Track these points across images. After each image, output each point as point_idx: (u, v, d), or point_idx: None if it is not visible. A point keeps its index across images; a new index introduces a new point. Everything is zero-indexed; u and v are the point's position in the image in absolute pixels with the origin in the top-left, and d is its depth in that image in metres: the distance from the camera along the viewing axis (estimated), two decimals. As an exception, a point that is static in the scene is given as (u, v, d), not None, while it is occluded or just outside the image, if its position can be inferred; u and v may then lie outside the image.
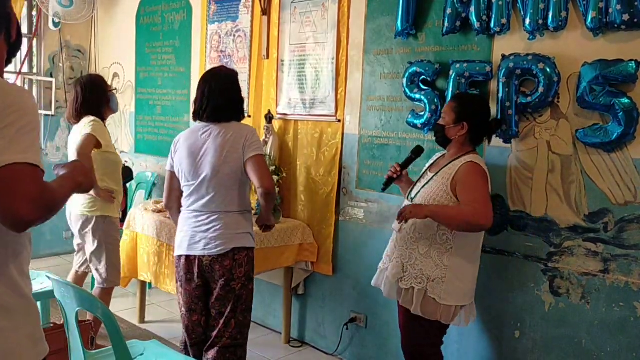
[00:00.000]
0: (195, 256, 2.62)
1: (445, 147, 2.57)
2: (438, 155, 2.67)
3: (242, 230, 2.62)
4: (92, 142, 3.10)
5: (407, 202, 2.56)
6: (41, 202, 1.21)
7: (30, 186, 1.20)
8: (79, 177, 1.45)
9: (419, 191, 2.52)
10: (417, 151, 2.69)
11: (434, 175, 2.50)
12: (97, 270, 3.32)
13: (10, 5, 1.44)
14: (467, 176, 2.38)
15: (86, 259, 3.38)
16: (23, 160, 1.20)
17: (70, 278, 3.50)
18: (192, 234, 2.63)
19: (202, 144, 2.61)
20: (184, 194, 2.68)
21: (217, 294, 2.62)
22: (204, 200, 2.60)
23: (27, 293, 1.38)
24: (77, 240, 3.41)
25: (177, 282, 2.76)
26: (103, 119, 3.31)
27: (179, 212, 2.74)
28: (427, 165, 2.67)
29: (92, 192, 3.17)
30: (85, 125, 3.15)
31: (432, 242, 2.43)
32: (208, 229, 2.59)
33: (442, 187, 2.43)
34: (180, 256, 2.69)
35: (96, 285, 3.37)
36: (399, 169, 2.66)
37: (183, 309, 2.74)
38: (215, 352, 2.64)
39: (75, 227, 3.31)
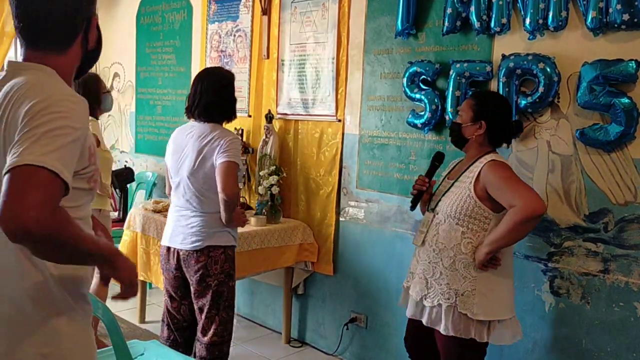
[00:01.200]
0: (174, 248, 2.72)
1: (461, 148, 2.41)
2: (455, 162, 2.50)
3: (220, 229, 2.66)
4: (95, 142, 3.17)
5: (427, 213, 2.40)
6: (49, 218, 1.05)
7: (37, 193, 1.05)
8: (110, 256, 1.22)
9: (438, 201, 2.35)
10: (439, 157, 2.47)
11: (454, 182, 2.33)
12: None
13: (93, 10, 1.37)
14: (494, 175, 2.19)
15: None
16: (39, 163, 1.07)
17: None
18: (173, 227, 2.74)
19: (184, 145, 2.67)
20: (172, 188, 2.77)
21: (194, 289, 2.70)
22: (183, 199, 2.69)
23: (79, 318, 1.30)
24: None
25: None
26: (95, 117, 3.35)
27: None
28: (445, 173, 2.50)
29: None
30: None
31: (456, 253, 2.24)
32: (187, 224, 2.67)
33: (465, 192, 2.25)
34: (162, 246, 2.80)
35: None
36: (427, 180, 2.41)
37: (165, 295, 2.86)
38: (204, 349, 2.71)
39: None
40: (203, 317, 2.70)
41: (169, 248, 2.75)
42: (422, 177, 2.43)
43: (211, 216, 2.64)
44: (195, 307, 2.74)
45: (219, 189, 2.52)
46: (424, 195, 2.44)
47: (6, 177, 1.06)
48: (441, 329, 2.24)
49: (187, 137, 2.67)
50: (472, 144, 2.34)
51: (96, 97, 3.37)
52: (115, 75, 5.27)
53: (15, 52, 5.24)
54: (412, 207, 2.45)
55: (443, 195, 2.34)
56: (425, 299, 2.30)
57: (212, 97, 2.63)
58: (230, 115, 2.73)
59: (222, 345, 2.74)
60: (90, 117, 3.29)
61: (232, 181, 2.52)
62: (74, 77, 1.40)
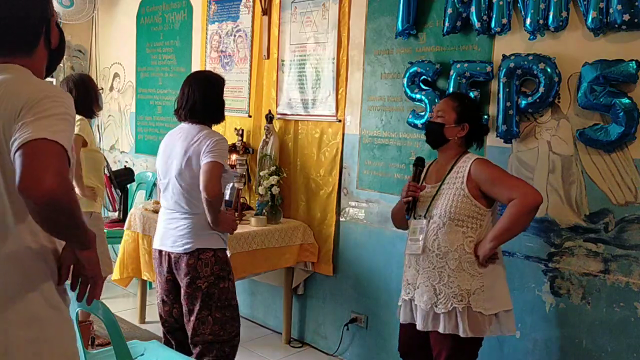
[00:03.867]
0: (165, 251, 2.71)
1: (437, 148, 2.43)
2: (427, 164, 2.50)
3: (210, 231, 2.63)
4: (80, 143, 3.21)
5: (414, 221, 2.39)
6: (65, 180, 1.20)
7: (57, 162, 1.20)
8: (88, 244, 1.36)
9: (429, 206, 2.34)
10: (421, 162, 2.47)
11: (440, 185, 2.34)
12: None
13: (50, 10, 1.44)
14: (486, 172, 2.25)
15: None
16: (53, 138, 1.21)
17: None
18: (163, 230, 2.72)
19: (172, 147, 2.67)
20: (161, 191, 2.77)
21: (183, 290, 2.68)
22: (171, 200, 2.68)
23: (61, 306, 1.37)
24: None
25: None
26: (92, 116, 3.39)
27: None
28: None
29: (77, 191, 3.24)
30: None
31: (461, 254, 2.25)
32: (176, 227, 2.65)
33: (459, 192, 2.27)
34: (155, 249, 2.79)
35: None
36: (417, 185, 2.42)
37: (157, 298, 2.86)
38: (201, 348, 2.69)
39: None
40: (193, 318, 2.67)
41: (160, 251, 2.73)
42: (412, 183, 2.42)
43: (200, 217, 2.61)
44: (185, 309, 2.70)
45: (201, 187, 2.50)
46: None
47: (21, 150, 1.19)
48: (460, 332, 2.23)
49: (175, 139, 2.68)
50: (452, 145, 2.38)
51: (95, 95, 3.40)
52: (115, 75, 5.27)
53: None
54: (408, 216, 2.45)
55: (432, 200, 2.34)
56: (436, 306, 2.28)
57: (199, 97, 2.65)
58: (218, 117, 2.73)
59: (222, 345, 2.69)
60: (78, 117, 3.32)
61: (214, 181, 2.49)
62: (45, 75, 1.50)
